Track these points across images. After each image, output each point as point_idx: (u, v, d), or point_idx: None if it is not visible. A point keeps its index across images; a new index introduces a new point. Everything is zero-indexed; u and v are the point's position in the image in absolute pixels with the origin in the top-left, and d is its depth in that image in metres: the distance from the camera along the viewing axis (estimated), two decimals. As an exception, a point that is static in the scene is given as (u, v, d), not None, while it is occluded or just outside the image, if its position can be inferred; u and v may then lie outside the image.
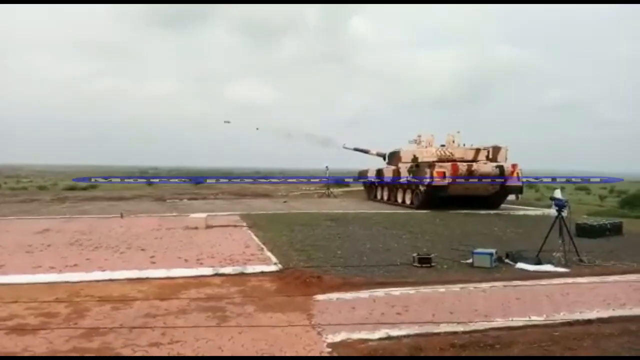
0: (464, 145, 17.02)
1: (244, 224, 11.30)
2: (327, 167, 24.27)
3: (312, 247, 8.11)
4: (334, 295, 5.33)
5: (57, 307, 4.83)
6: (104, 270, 6.32)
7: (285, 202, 19.16)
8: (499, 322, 4.51)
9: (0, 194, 24.43)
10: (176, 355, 3.68)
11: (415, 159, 17.19)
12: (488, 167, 15.29)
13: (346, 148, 23.22)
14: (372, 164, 21.34)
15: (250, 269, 6.58)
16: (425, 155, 16.69)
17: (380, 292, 5.43)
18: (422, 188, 15.62)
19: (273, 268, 6.66)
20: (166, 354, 3.68)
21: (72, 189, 30.37)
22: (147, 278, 6.07)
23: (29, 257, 7.21)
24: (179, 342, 3.92)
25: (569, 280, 6.20)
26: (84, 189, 30.53)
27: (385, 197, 18.88)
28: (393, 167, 18.46)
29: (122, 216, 12.58)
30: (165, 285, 5.79)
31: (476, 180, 15.06)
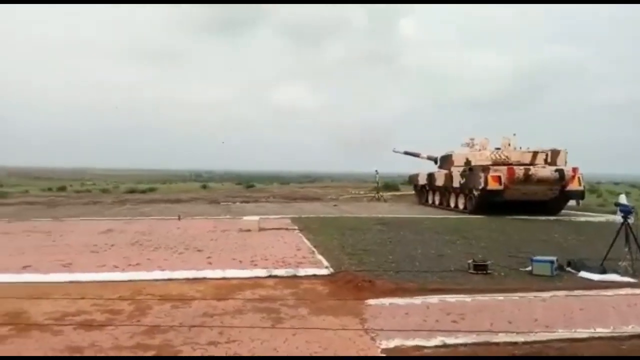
0: (520, 148, 16.44)
1: (295, 227, 11.43)
2: (376, 170, 24.15)
3: (363, 252, 8.08)
4: (387, 301, 5.28)
5: (120, 305, 5.06)
6: (163, 270, 6.59)
7: (335, 205, 19.21)
8: (561, 334, 4.32)
9: (66, 196, 25.97)
10: (233, 355, 3.78)
11: (468, 162, 16.79)
12: (547, 171, 14.68)
13: (396, 152, 23.02)
14: (423, 168, 21.03)
15: (302, 271, 6.65)
16: (479, 159, 16.25)
17: (434, 299, 5.34)
18: (476, 192, 15.21)
19: (324, 271, 6.70)
20: (224, 353, 3.78)
21: (132, 191, 31.80)
22: (204, 278, 6.26)
23: (94, 256, 7.63)
24: (235, 341, 4.02)
25: (637, 291, 5.84)
26: (143, 191, 31.90)
27: (437, 202, 18.53)
28: (445, 171, 18.11)
29: (179, 218, 13.05)
30: (221, 285, 5.95)
31: (533, 185, 14.52)
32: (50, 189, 33.20)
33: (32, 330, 4.25)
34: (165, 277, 6.29)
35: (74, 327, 4.37)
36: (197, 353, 3.78)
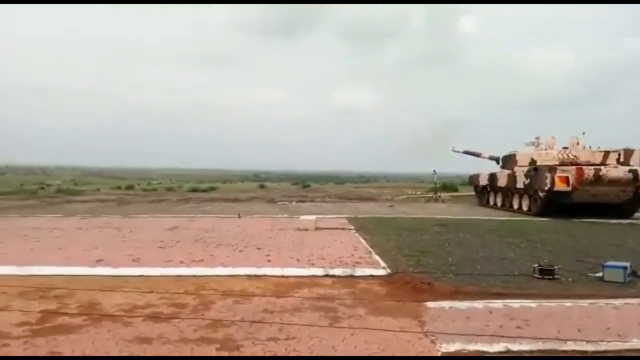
0: (590, 147, 15.56)
1: (352, 227, 11.44)
2: (434, 170, 23.67)
3: (421, 253, 7.96)
4: (446, 304, 5.17)
5: (186, 299, 5.28)
6: (225, 267, 6.81)
7: (391, 206, 19.03)
8: (635, 344, 4.06)
9: (134, 195, 27.41)
10: (272, 354, 3.84)
11: (533, 162, 16.11)
12: (619, 172, 13.81)
13: (455, 151, 22.47)
14: (484, 168, 20.39)
15: (359, 271, 6.65)
16: (545, 159, 15.55)
17: (497, 304, 5.17)
18: (541, 194, 14.56)
19: (382, 272, 6.66)
20: (283, 349, 3.85)
21: (194, 190, 33.08)
22: (263, 275, 6.40)
23: (161, 252, 8.00)
24: (294, 338, 4.09)
25: None
26: (204, 190, 33.09)
27: (499, 203, 17.91)
28: (508, 172, 17.47)
29: (239, 216, 13.42)
30: (280, 283, 6.06)
31: (604, 186, 13.70)
32: (119, 188, 35.18)
33: (104, 321, 4.52)
34: (227, 273, 6.49)
35: (142, 319, 4.60)
36: (258, 348, 3.87)
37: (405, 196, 26.35)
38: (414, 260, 7.37)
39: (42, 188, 34.10)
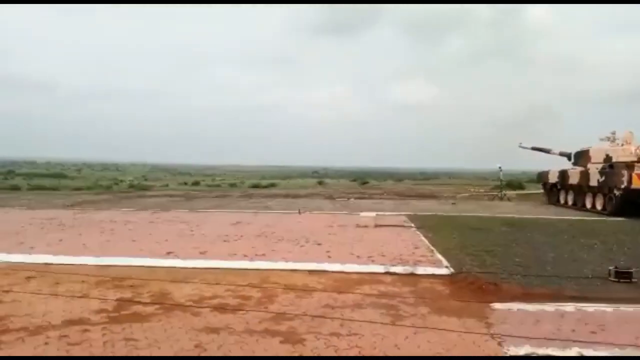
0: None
1: (412, 224, 11.27)
2: (500, 167, 22.79)
3: (486, 253, 7.71)
4: (514, 306, 4.98)
5: (250, 292, 5.43)
6: (287, 261, 6.94)
7: (453, 203, 18.55)
8: None
9: (200, 190, 28.50)
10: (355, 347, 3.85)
11: (608, 158, 15.13)
12: None
13: (523, 147, 21.50)
14: (554, 165, 19.40)
15: (421, 270, 6.55)
16: (622, 155, 14.57)
17: (569, 307, 4.91)
18: (617, 192, 13.65)
19: (444, 271, 6.53)
20: (346, 345, 3.87)
21: (256, 186, 33.91)
22: (324, 271, 6.46)
23: (226, 246, 8.28)
24: (356, 334, 4.10)
25: None
26: (265, 187, 33.84)
27: (570, 202, 16.98)
28: (580, 169, 16.52)
29: (299, 212, 13.62)
30: (341, 279, 6.09)
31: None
32: (186, 184, 36.70)
33: (175, 310, 4.74)
34: (289, 267, 6.61)
35: (210, 309, 4.79)
36: (320, 342, 3.92)
37: (468, 194, 25.58)
38: (478, 260, 7.15)
39: (116, 184, 36.27)
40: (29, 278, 5.91)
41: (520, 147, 21.56)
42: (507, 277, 6.09)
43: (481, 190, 27.72)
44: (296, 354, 3.69)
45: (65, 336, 3.99)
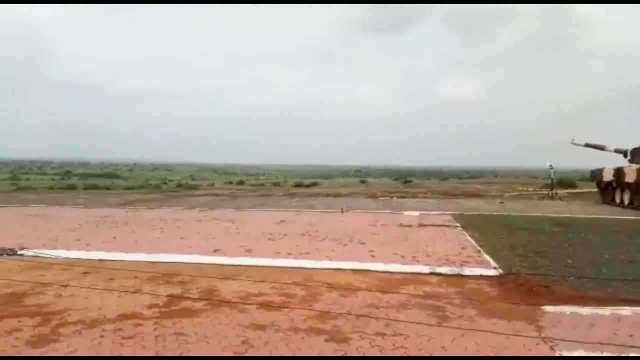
0: None
1: (458, 224, 11.04)
2: (550, 165, 21.94)
3: (536, 254, 7.46)
4: (567, 309, 4.80)
5: (294, 289, 5.48)
6: (331, 260, 6.97)
7: (501, 202, 18.03)
8: None
9: (244, 189, 29.03)
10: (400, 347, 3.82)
11: (669, 155, 14.27)
12: None
13: (575, 144, 20.62)
14: (608, 162, 18.50)
15: (467, 270, 6.41)
16: (685, 151, 13.70)
17: (626, 311, 4.68)
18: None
19: (492, 272, 6.36)
20: (391, 345, 3.85)
21: (298, 185, 34.19)
22: (367, 270, 6.44)
23: (270, 244, 8.40)
24: (401, 335, 4.06)
25: None
26: (307, 186, 34.07)
27: (626, 201, 16.15)
28: (637, 166, 15.69)
29: (342, 211, 13.62)
30: (384, 278, 6.05)
31: None
32: (231, 183, 37.47)
33: (222, 307, 4.85)
34: (333, 266, 6.64)
35: (256, 306, 4.87)
36: (365, 342, 3.91)
37: (516, 193, 24.80)
38: (528, 261, 6.93)
39: (165, 183, 37.52)
40: (85, 273, 6.21)
41: (573, 144, 20.68)
42: (559, 279, 5.88)
43: (530, 189, 26.81)
44: (341, 353, 3.70)
45: (119, 329, 4.17)
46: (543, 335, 4.09)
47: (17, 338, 3.94)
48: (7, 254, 7.31)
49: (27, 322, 4.33)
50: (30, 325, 4.25)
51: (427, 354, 3.68)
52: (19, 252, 7.43)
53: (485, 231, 9.80)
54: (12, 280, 5.76)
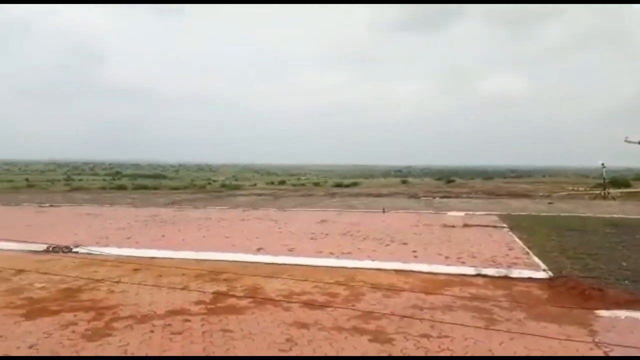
0: None
1: (504, 225, 10.73)
2: (602, 164, 20.97)
3: (588, 256, 7.15)
4: (622, 313, 4.58)
5: (337, 289, 5.49)
6: (373, 260, 6.94)
7: (550, 203, 17.39)
8: None
9: (286, 189, 29.33)
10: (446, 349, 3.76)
11: None
12: None
13: (629, 142, 19.59)
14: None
15: (515, 272, 6.22)
16: None
17: (687, 317, 4.42)
18: None
19: (542, 275, 6.15)
20: (436, 347, 3.79)
21: (338, 185, 34.23)
22: (410, 271, 6.36)
23: (313, 243, 8.45)
24: (447, 337, 3.99)
25: None
26: (347, 186, 34.04)
27: (688, 201, 15.22)
28: (700, 164, 14.76)
29: (384, 211, 13.52)
30: (428, 279, 5.97)
31: None
32: (272, 183, 37.94)
33: (267, 304, 4.93)
34: (375, 266, 6.60)
35: (299, 305, 4.91)
36: (409, 343, 3.87)
37: (566, 192, 23.88)
38: (580, 263, 6.65)
39: (209, 183, 38.49)
40: (135, 270, 6.45)
41: (626, 141, 19.65)
42: (613, 283, 5.61)
43: (581, 189, 25.75)
44: (385, 354, 3.68)
45: (168, 325, 4.31)
46: (597, 340, 3.92)
47: (73, 332, 4.14)
48: (63, 251, 7.70)
49: (82, 316, 4.55)
50: (85, 319, 4.46)
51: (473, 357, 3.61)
52: (74, 250, 7.80)
53: (534, 232, 9.48)
54: (67, 276, 6.07)
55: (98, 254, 7.50)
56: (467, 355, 3.66)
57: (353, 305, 4.88)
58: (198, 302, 4.99)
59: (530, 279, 5.96)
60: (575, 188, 26.69)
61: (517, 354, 3.65)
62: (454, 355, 3.66)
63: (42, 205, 15.78)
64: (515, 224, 10.73)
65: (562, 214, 13.10)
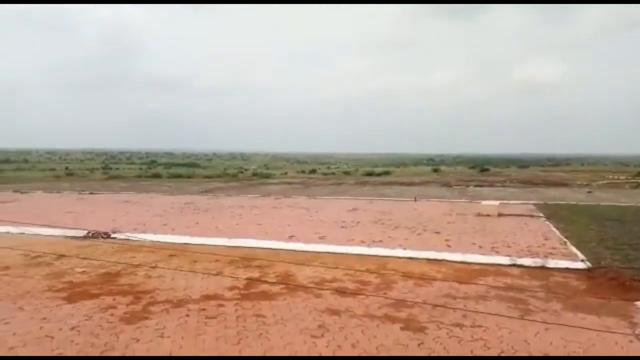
0: None
1: (541, 214, 10.47)
2: (646, 151, 20.09)
3: (629, 246, 6.90)
4: (666, 306, 4.41)
5: (368, 277, 5.49)
6: (404, 249, 6.88)
7: (589, 192, 16.84)
8: None
9: (316, 178, 29.38)
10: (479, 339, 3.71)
11: None
12: None
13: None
14: None
15: (552, 263, 6.07)
16: None
17: None
18: None
19: (580, 265, 5.98)
20: (469, 337, 3.74)
21: (369, 174, 34.02)
22: (443, 260, 6.29)
23: (344, 231, 8.45)
24: (481, 327, 3.94)
25: None
26: (379, 174, 33.79)
27: None
28: None
29: (415, 200, 13.39)
30: (461, 269, 5.89)
31: None
32: (303, 172, 38.05)
33: (298, 291, 4.97)
34: (406, 255, 6.55)
35: (331, 292, 4.93)
36: (442, 332, 3.84)
37: (606, 181, 23.04)
38: (620, 254, 6.43)
39: (241, 172, 38.88)
40: (171, 256, 6.61)
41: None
42: (657, 275, 5.40)
43: (622, 177, 24.79)
44: (417, 342, 3.66)
45: (203, 309, 4.41)
46: (638, 332, 3.79)
47: (112, 314, 4.29)
48: (102, 237, 7.96)
49: (121, 300, 4.70)
50: (123, 303, 4.61)
51: (508, 347, 3.55)
52: (113, 236, 8.05)
53: (572, 222, 9.20)
54: (106, 261, 6.28)
55: (135, 240, 7.72)
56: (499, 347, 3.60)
57: (384, 293, 4.87)
58: (232, 288, 5.07)
59: (567, 270, 5.80)
60: (616, 177, 25.70)
61: (554, 345, 3.57)
62: (487, 346, 3.60)
63: (82, 192, 16.35)
64: (552, 213, 10.45)
65: (601, 203, 12.68)
